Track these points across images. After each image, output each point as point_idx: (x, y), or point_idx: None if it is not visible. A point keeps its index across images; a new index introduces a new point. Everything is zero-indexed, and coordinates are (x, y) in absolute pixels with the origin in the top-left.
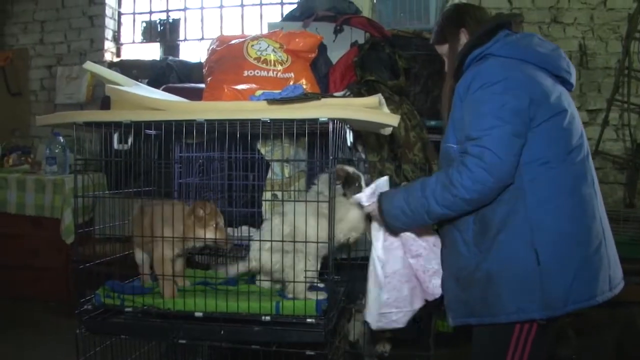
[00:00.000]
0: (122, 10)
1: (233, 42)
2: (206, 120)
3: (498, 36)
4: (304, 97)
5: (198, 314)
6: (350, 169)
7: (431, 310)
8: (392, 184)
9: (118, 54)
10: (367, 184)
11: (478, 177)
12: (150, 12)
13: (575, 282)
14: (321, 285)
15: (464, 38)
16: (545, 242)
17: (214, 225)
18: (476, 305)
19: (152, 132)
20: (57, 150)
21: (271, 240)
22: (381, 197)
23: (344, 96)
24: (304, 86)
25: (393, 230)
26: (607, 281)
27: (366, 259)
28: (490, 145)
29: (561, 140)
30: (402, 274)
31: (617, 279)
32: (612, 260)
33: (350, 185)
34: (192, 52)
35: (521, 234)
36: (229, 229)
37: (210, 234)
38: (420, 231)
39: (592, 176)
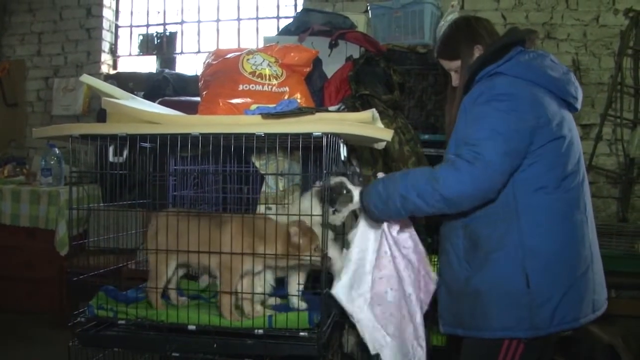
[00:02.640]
0: (119, 23)
1: (229, 56)
2: (201, 133)
3: (511, 54)
4: (299, 112)
5: (191, 327)
6: (334, 181)
7: (425, 324)
8: None
9: (115, 67)
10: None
11: (463, 179)
12: (147, 25)
13: (562, 305)
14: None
15: (477, 54)
16: (536, 266)
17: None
18: (465, 318)
19: (147, 144)
20: (52, 162)
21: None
22: (365, 190)
23: (338, 110)
24: (299, 100)
25: (372, 218)
26: (591, 305)
27: None
28: (484, 153)
29: (558, 166)
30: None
31: (600, 302)
32: (597, 284)
33: (338, 197)
34: (189, 65)
35: (513, 256)
36: None
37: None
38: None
39: (585, 202)
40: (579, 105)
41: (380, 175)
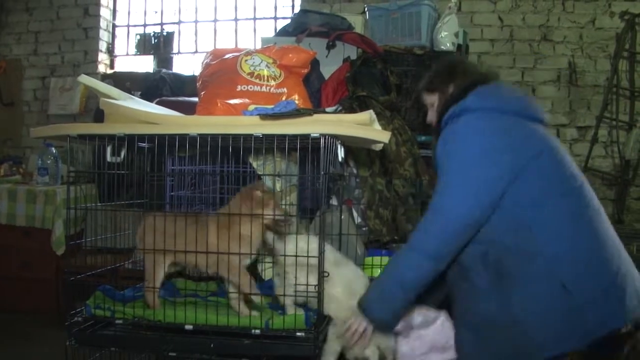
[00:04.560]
0: (116, 23)
1: (227, 56)
2: (199, 134)
3: (473, 91)
4: (297, 113)
5: (188, 327)
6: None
7: None
8: (383, 198)
9: (112, 66)
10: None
11: (435, 231)
12: (145, 25)
13: (608, 302)
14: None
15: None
16: (569, 271)
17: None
18: (507, 352)
19: (145, 145)
20: (49, 161)
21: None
22: (361, 302)
23: (335, 111)
24: (297, 101)
25: (382, 327)
26: (635, 296)
27: None
28: (449, 199)
29: (553, 176)
30: None
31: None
32: (635, 275)
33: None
34: (186, 65)
35: (543, 269)
36: None
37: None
38: None
39: (592, 200)
40: (546, 119)
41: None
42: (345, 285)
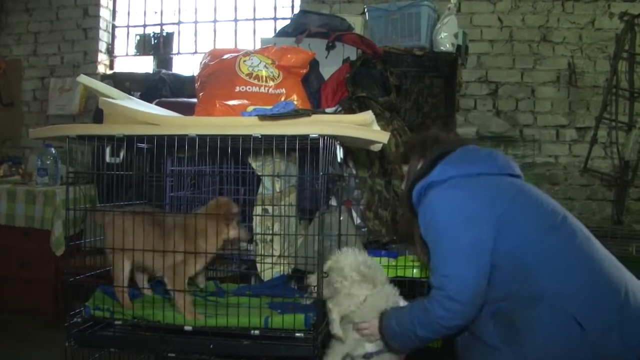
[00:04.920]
0: (116, 23)
1: (225, 57)
2: (198, 135)
3: (439, 163)
4: (295, 114)
5: (187, 328)
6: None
7: None
8: (382, 199)
9: (111, 67)
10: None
11: (448, 307)
12: (144, 26)
13: (624, 328)
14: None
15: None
16: (579, 307)
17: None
18: None
19: (144, 145)
20: (48, 162)
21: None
22: (382, 315)
23: (335, 112)
24: (295, 102)
25: (393, 349)
26: None
27: None
28: (448, 272)
29: (534, 214)
30: None
31: None
32: (638, 293)
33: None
34: (185, 65)
35: (552, 310)
36: None
37: (234, 232)
38: None
39: (580, 229)
40: (518, 172)
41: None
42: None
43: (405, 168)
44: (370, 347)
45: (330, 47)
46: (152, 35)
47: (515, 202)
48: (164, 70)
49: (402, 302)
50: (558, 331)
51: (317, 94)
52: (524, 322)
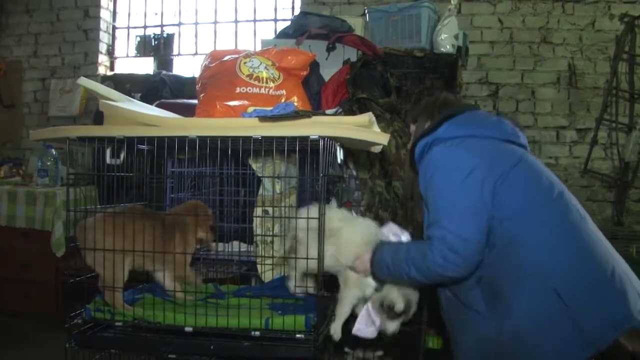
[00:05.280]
0: (116, 24)
1: (226, 58)
2: (198, 136)
3: (446, 122)
4: (295, 115)
5: (188, 329)
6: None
7: (420, 327)
8: (383, 200)
9: (112, 68)
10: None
11: (449, 258)
12: (145, 27)
13: (607, 308)
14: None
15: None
16: (563, 281)
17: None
18: None
19: (145, 147)
20: (48, 163)
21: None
22: (376, 248)
23: (335, 113)
24: (296, 104)
25: (377, 279)
26: (638, 298)
27: None
28: (448, 226)
29: (531, 186)
30: None
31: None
32: (632, 277)
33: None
34: (186, 66)
35: (536, 282)
36: (220, 244)
37: (202, 233)
38: None
39: (576, 206)
40: (522, 141)
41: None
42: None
43: (413, 127)
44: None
45: (330, 49)
46: (152, 36)
47: (515, 170)
48: (164, 72)
49: (389, 234)
50: (540, 304)
51: (317, 95)
52: (508, 291)
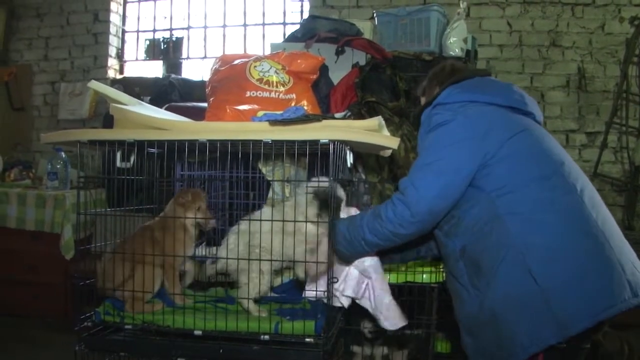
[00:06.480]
0: (126, 28)
1: (236, 62)
2: (208, 140)
3: (450, 87)
4: (306, 119)
5: (197, 332)
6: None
7: (430, 331)
8: None
9: (121, 71)
10: (366, 205)
11: (398, 211)
12: (154, 30)
13: (585, 294)
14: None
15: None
16: (538, 262)
17: (198, 208)
18: (493, 351)
19: (155, 150)
20: (58, 166)
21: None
22: (336, 223)
23: (344, 117)
24: (305, 107)
25: (343, 259)
26: (626, 287)
27: None
28: (415, 181)
29: (525, 159)
30: None
31: (636, 288)
32: (627, 263)
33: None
34: (195, 70)
35: (513, 260)
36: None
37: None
38: None
39: (576, 183)
40: (532, 109)
41: (342, 215)
42: None
43: (422, 100)
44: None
45: (339, 52)
46: (161, 40)
47: (514, 140)
48: (173, 75)
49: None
50: (515, 284)
51: (326, 98)
52: (487, 268)
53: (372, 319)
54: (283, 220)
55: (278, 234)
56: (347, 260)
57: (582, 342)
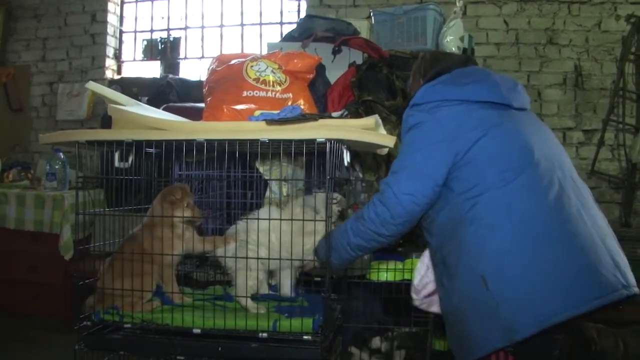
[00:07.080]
0: (123, 29)
1: (232, 62)
2: (206, 140)
3: (425, 85)
4: (302, 118)
5: (196, 331)
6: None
7: (428, 328)
8: None
9: (119, 72)
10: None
11: (378, 211)
12: (152, 31)
13: (537, 298)
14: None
15: None
16: (490, 267)
17: (186, 205)
18: (457, 346)
19: (153, 150)
20: (57, 166)
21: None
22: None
23: (341, 116)
24: (302, 107)
25: (334, 269)
26: (595, 287)
27: (362, 277)
28: (391, 184)
29: (492, 161)
30: None
31: (615, 282)
32: (604, 261)
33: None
34: (192, 70)
35: (469, 264)
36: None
37: (180, 213)
38: None
39: (553, 179)
40: (513, 101)
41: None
42: None
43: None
44: None
45: (336, 51)
46: (159, 40)
47: (484, 140)
48: (171, 75)
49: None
50: (470, 287)
51: (323, 98)
52: (452, 267)
53: (382, 338)
54: (292, 220)
55: (298, 234)
56: (337, 270)
57: (554, 333)
